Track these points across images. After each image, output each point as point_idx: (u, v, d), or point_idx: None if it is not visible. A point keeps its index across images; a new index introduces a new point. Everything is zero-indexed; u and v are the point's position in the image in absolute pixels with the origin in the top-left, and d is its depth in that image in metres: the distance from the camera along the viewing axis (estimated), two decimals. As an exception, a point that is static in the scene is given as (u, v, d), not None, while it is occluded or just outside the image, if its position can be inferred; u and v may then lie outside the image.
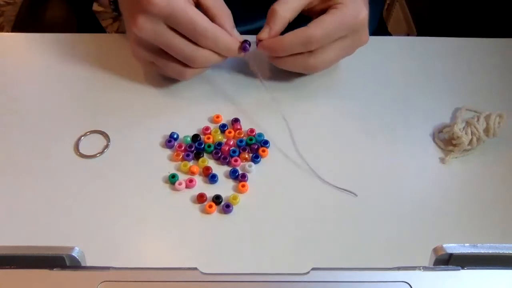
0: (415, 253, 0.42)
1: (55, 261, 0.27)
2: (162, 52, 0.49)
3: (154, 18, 0.46)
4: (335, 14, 0.49)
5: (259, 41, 0.51)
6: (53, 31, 0.61)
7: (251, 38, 0.51)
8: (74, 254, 0.27)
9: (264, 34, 0.50)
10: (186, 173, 0.48)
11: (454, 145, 0.50)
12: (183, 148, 0.50)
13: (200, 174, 0.48)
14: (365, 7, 0.50)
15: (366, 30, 0.52)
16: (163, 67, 0.51)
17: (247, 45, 0.50)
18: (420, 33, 1.10)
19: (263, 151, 0.50)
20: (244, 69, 0.58)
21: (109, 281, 0.26)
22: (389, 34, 0.85)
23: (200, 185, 0.48)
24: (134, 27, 0.47)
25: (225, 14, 0.50)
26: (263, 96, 0.55)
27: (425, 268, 0.27)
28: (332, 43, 0.50)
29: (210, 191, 0.46)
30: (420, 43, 0.63)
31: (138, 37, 0.48)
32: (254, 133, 0.51)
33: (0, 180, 0.47)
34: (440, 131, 0.52)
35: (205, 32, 0.47)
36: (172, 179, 0.47)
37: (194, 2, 0.49)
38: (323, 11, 0.50)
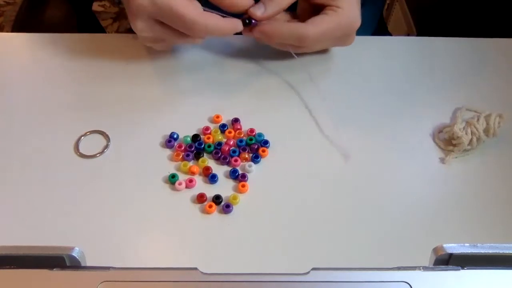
0: (415, 253, 0.42)
1: (55, 261, 0.27)
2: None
3: (147, 19, 0.49)
4: (332, 18, 0.50)
5: (249, 18, 0.50)
6: (53, 31, 0.61)
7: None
8: (74, 254, 0.27)
9: (258, 11, 0.49)
10: (186, 173, 0.48)
11: (454, 145, 0.50)
12: (183, 148, 0.50)
13: (200, 174, 0.48)
14: (360, 16, 0.52)
15: (354, 34, 0.54)
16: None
17: (253, 21, 0.50)
18: (420, 33, 1.10)
19: (263, 151, 0.50)
20: (245, 69, 0.58)
21: (109, 281, 0.26)
22: (389, 34, 0.85)
23: (200, 185, 0.48)
24: (135, 30, 0.51)
25: None
26: (263, 96, 0.55)
27: (425, 268, 0.27)
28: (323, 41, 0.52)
29: (210, 191, 0.46)
30: (420, 43, 0.63)
31: (142, 37, 0.52)
32: (254, 133, 0.51)
33: (0, 180, 0.47)
34: (440, 131, 0.52)
35: (194, 25, 0.47)
36: (172, 179, 0.47)
37: None
38: (319, 6, 0.51)
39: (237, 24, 0.50)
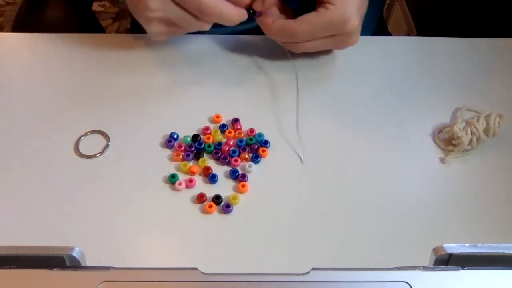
0: (415, 253, 0.42)
1: (55, 261, 0.27)
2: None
3: None
4: (322, 15, 0.49)
5: (254, 11, 0.52)
6: (53, 31, 0.61)
7: (250, 35, 0.51)
8: (74, 254, 0.27)
9: (257, 5, 0.51)
10: (186, 173, 0.48)
11: (454, 145, 0.50)
12: (183, 148, 0.50)
13: (200, 174, 0.48)
14: (356, 15, 0.50)
15: (356, 34, 0.53)
16: (184, 30, 0.53)
17: (258, 13, 0.51)
18: (420, 33, 1.10)
19: (263, 151, 0.50)
20: (245, 69, 0.58)
21: (109, 281, 0.26)
22: (389, 34, 0.85)
23: (200, 185, 0.48)
24: (145, 11, 0.49)
25: None
26: (263, 96, 0.55)
27: (425, 268, 0.27)
28: (317, 39, 0.52)
29: (210, 191, 0.46)
30: (420, 43, 0.63)
31: (152, 18, 0.50)
32: (254, 133, 0.51)
33: (0, 180, 0.47)
34: (440, 131, 0.52)
35: (208, 9, 0.48)
36: (172, 179, 0.47)
37: None
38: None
39: (245, 14, 0.51)
